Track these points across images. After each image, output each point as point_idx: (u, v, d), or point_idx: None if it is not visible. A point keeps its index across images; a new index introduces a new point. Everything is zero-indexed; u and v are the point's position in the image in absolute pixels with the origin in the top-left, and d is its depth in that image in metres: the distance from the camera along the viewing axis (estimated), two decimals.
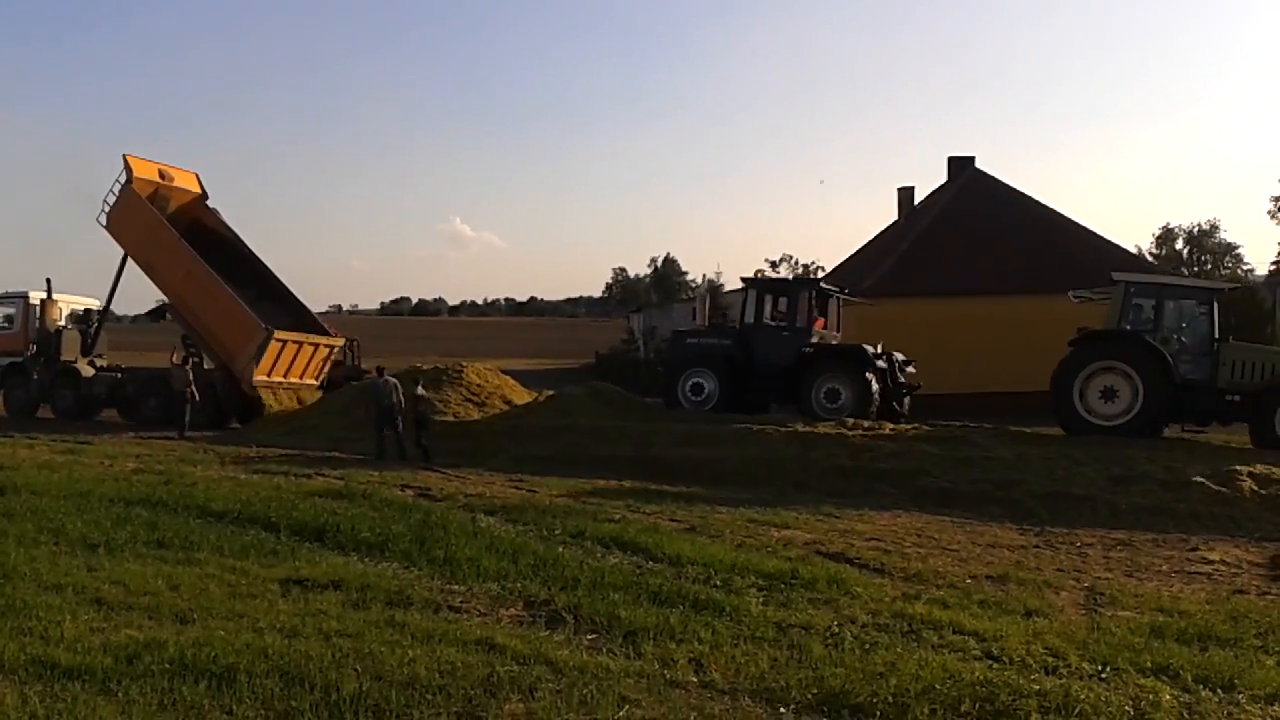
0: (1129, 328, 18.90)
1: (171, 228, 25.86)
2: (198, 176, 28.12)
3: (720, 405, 21.05)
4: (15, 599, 7.25)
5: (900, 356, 22.20)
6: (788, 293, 22.41)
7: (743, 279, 23.15)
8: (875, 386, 20.71)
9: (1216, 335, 18.88)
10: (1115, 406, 18.52)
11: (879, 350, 21.56)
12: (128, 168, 25.92)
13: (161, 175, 26.92)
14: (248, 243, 27.66)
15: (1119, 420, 18.38)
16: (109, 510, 11.14)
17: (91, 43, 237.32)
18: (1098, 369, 18.67)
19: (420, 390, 19.09)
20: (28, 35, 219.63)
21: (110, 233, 26.25)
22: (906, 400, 22.25)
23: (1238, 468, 15.03)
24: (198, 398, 22.77)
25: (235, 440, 20.88)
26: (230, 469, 15.86)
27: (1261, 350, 19.60)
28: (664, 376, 22.06)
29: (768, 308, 22.16)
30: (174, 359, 24.31)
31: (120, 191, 25.98)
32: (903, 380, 22.00)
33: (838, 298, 23.61)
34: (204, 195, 28.04)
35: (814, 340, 21.58)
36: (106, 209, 26.15)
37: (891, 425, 19.36)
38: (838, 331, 23.21)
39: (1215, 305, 19.08)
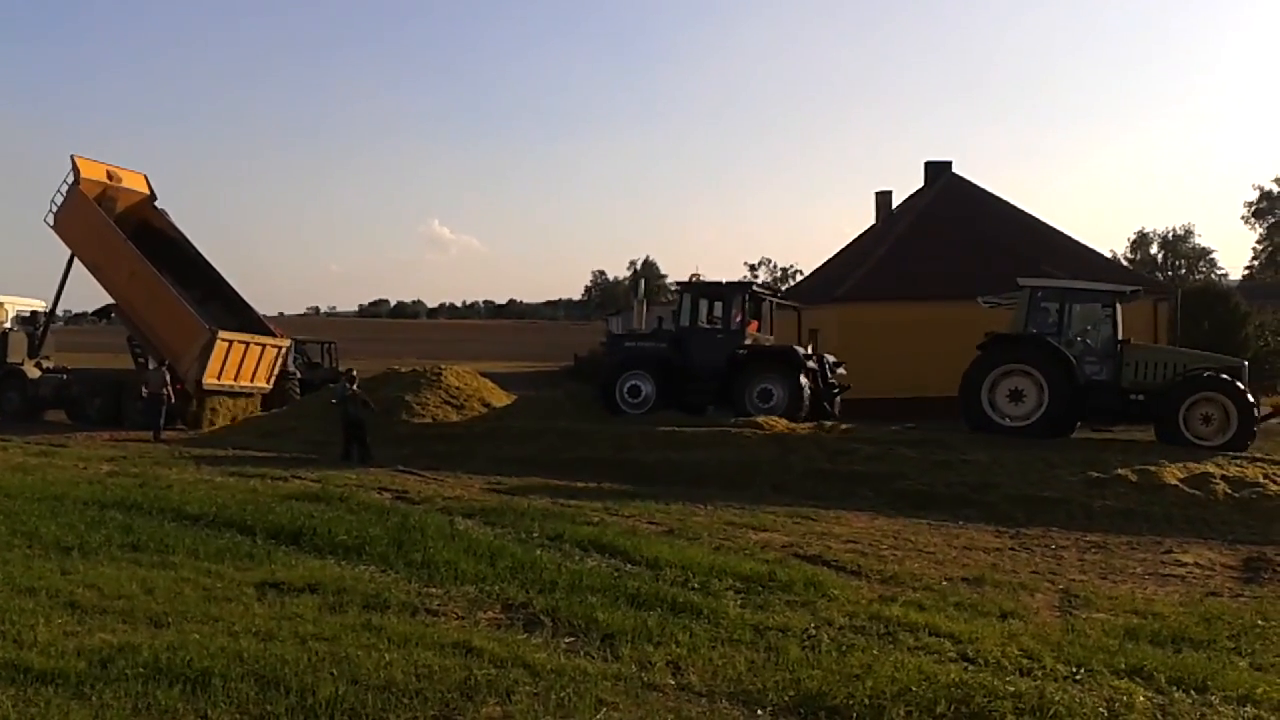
0: (1035, 331, 19.22)
1: (117, 229, 25.64)
2: (146, 178, 27.93)
3: (657, 408, 21.25)
4: None
5: (831, 358, 22.76)
6: (722, 297, 22.66)
7: (677, 283, 23.46)
8: (807, 387, 21.06)
9: (1119, 337, 19.23)
10: (1022, 408, 18.86)
11: (810, 351, 22.14)
12: (75, 169, 25.72)
13: (109, 176, 26.69)
14: (205, 245, 28.00)
15: (1026, 421, 18.72)
16: (83, 513, 11.03)
17: (66, 41, 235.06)
18: (1005, 371, 19.01)
19: (354, 389, 19.05)
20: None
21: (58, 233, 26.07)
22: (838, 400, 22.68)
23: (1210, 470, 15.22)
24: (174, 399, 22.73)
25: (211, 443, 20.76)
26: (206, 472, 15.73)
27: (1162, 350, 20.16)
28: (602, 380, 22.20)
29: (703, 311, 22.43)
30: (150, 361, 24.17)
31: (67, 192, 25.79)
32: (833, 381, 22.48)
33: (771, 301, 24.14)
34: (152, 196, 27.83)
35: (748, 342, 21.86)
36: (54, 210, 25.97)
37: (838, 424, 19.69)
38: (771, 334, 23.61)
39: (1118, 307, 19.42)
